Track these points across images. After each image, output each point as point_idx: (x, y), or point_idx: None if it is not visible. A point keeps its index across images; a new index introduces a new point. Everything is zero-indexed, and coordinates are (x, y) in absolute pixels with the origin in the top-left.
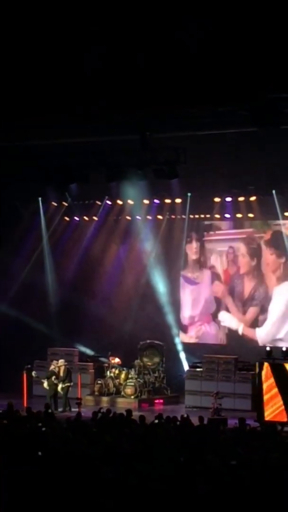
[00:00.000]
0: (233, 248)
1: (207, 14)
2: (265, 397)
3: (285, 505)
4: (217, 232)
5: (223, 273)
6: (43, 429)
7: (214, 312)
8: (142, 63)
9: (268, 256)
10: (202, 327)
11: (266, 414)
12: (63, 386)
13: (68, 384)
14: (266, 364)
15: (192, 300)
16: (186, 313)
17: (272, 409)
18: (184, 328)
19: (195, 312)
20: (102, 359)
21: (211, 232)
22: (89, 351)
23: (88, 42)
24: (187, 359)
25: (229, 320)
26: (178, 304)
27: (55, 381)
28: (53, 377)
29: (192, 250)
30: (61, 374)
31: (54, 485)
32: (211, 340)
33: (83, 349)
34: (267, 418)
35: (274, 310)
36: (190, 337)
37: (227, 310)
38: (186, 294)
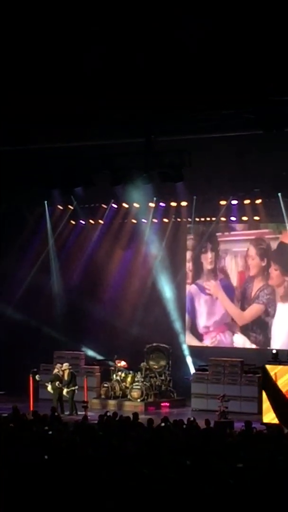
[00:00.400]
0: (249, 248)
1: (209, 14)
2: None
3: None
4: (231, 233)
5: (238, 276)
6: (50, 432)
7: (229, 322)
8: (145, 66)
9: (273, 271)
10: (217, 336)
11: (267, 420)
12: (69, 390)
13: (73, 388)
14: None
15: (207, 309)
16: (201, 322)
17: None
18: (199, 337)
19: (210, 322)
20: (109, 362)
21: (226, 233)
22: (99, 357)
23: (88, 43)
24: (193, 362)
25: (243, 341)
26: (184, 307)
27: (59, 385)
28: (57, 382)
29: (207, 260)
30: (66, 378)
31: (60, 488)
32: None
33: (91, 353)
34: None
35: (279, 331)
36: (206, 345)
37: (240, 331)
38: (201, 304)
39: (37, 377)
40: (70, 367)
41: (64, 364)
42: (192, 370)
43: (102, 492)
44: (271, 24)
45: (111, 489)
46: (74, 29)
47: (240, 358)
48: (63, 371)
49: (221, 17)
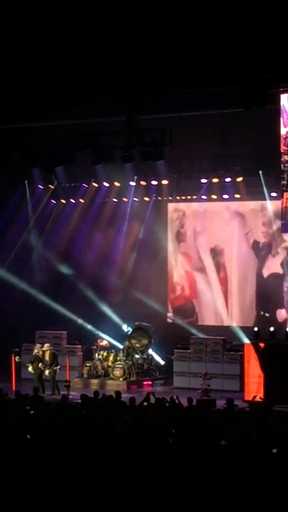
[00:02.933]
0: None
1: None
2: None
3: (261, 486)
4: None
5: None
6: (32, 412)
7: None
8: (126, 44)
9: None
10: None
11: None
12: (50, 370)
13: (55, 368)
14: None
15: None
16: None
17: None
18: (181, 315)
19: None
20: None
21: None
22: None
23: (69, 26)
24: (175, 340)
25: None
26: (165, 285)
27: (41, 367)
28: (40, 364)
29: (188, 237)
30: (47, 358)
31: (45, 467)
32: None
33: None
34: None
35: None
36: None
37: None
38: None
39: (16, 358)
40: (51, 347)
41: (45, 345)
42: (174, 348)
43: (86, 471)
44: (254, 3)
45: (95, 469)
46: (57, 12)
47: (222, 336)
48: (43, 351)
49: None
